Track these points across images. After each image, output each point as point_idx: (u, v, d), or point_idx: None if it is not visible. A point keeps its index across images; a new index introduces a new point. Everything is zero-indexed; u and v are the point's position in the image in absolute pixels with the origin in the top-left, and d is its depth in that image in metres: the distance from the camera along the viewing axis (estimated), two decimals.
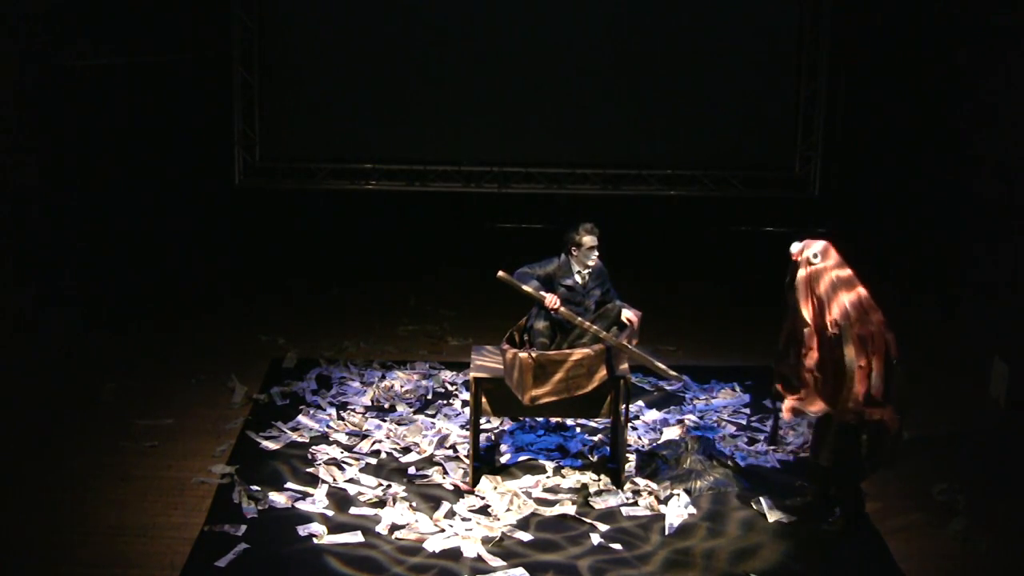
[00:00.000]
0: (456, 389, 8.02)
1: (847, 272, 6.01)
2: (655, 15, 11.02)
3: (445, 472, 6.81)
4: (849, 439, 6.04)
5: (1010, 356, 7.74)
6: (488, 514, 6.33)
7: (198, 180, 11.04)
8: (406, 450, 7.09)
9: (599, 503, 6.48)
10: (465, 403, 7.55)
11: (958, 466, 6.90)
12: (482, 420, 7.02)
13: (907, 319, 6.93)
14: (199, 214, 11.05)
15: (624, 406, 6.53)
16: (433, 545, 6.00)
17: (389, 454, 7.04)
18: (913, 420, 6.11)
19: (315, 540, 6.03)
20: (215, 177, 11.24)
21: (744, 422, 7.57)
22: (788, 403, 6.13)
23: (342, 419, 7.49)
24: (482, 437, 7.07)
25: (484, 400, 6.53)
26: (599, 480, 6.73)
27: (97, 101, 9.75)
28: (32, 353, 8.20)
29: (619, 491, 6.58)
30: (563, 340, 6.55)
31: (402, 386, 8.06)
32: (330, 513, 6.30)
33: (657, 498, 6.51)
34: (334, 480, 6.66)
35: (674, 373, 6.73)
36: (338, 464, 6.86)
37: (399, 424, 7.43)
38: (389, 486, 6.62)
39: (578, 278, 6.57)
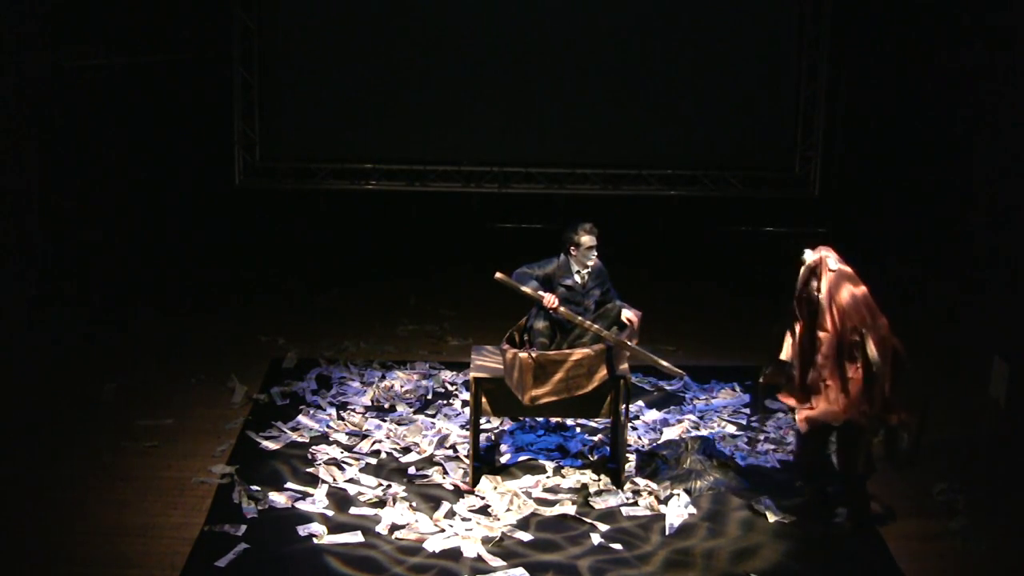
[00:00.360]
0: (456, 389, 8.02)
1: (855, 277, 6.03)
2: (655, 15, 11.02)
3: (445, 472, 6.80)
4: (864, 442, 6.05)
5: (1010, 356, 7.74)
6: (488, 514, 6.33)
7: (198, 180, 11.04)
8: (406, 450, 7.08)
9: (599, 503, 6.47)
10: (465, 403, 7.55)
11: (958, 466, 6.89)
12: (482, 420, 7.01)
13: (907, 319, 6.92)
14: (199, 214, 11.06)
15: (624, 406, 6.53)
16: (433, 545, 5.99)
17: (389, 454, 7.03)
18: (926, 423, 6.10)
19: (315, 540, 6.02)
20: (215, 177, 11.24)
21: (744, 422, 7.58)
22: (802, 414, 6.11)
23: (342, 419, 7.49)
24: (482, 437, 7.06)
25: (484, 400, 6.52)
26: (599, 480, 6.72)
27: (97, 101, 9.75)
28: (32, 353, 8.20)
29: (619, 491, 6.58)
30: (563, 340, 6.55)
31: (402, 386, 8.05)
32: (330, 513, 6.30)
33: (657, 498, 6.51)
34: (334, 480, 6.66)
35: (677, 370, 6.72)
36: (338, 464, 6.86)
37: (399, 424, 7.43)
38: (389, 486, 6.61)
39: (577, 278, 6.56)
